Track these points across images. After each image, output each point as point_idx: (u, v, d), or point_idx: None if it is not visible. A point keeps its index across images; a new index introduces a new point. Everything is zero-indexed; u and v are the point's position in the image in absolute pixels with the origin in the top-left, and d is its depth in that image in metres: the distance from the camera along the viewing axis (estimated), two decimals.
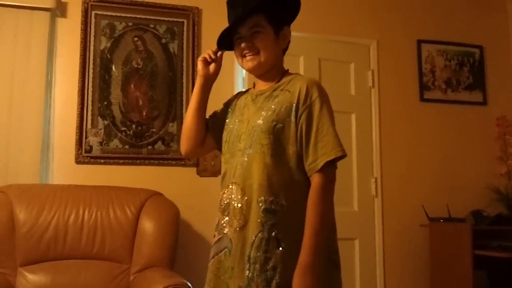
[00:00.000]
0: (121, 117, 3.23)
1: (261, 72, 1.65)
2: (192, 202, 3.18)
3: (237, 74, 3.41)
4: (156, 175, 3.22)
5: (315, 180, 1.47)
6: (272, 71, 1.64)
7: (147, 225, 2.80)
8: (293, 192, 1.50)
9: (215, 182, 2.94)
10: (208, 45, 3.34)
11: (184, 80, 3.35)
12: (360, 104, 3.67)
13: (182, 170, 3.27)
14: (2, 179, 2.90)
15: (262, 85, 1.66)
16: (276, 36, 1.62)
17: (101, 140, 3.18)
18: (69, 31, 3.22)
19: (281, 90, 1.59)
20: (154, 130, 3.26)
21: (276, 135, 1.51)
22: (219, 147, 1.72)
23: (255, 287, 1.43)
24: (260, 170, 1.49)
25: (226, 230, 1.54)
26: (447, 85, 3.90)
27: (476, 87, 3.97)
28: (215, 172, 3.27)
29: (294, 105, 1.52)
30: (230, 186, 1.55)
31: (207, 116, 1.75)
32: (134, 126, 3.24)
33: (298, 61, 3.51)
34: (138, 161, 3.22)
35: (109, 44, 3.26)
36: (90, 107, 3.18)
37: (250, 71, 1.65)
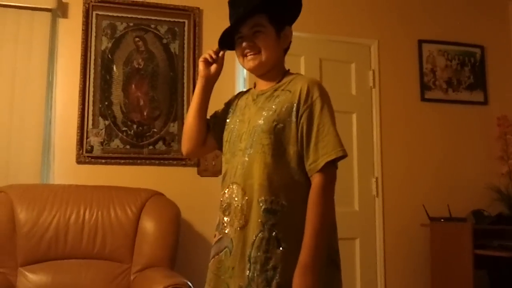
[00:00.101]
0: (122, 117, 3.23)
1: (262, 72, 1.65)
2: (193, 202, 3.18)
3: (238, 74, 3.41)
4: (157, 175, 3.22)
5: (316, 180, 1.47)
6: (273, 71, 1.64)
7: (148, 225, 2.80)
8: (294, 192, 1.50)
9: (216, 182, 2.94)
10: (209, 45, 3.35)
11: (185, 80, 3.35)
12: (361, 104, 3.67)
13: (183, 170, 3.27)
14: (3, 179, 2.91)
15: (263, 85, 1.66)
16: (277, 36, 1.62)
17: (102, 140, 3.18)
18: (70, 32, 3.22)
19: (282, 90, 1.59)
20: (155, 130, 3.27)
21: (277, 135, 1.51)
22: (220, 147, 1.72)
23: (256, 287, 1.43)
24: (261, 170, 1.49)
25: (227, 230, 1.54)
26: (448, 85, 3.90)
27: (477, 87, 3.97)
28: (216, 172, 3.27)
29: (295, 105, 1.53)
30: (231, 186, 1.56)
31: (208, 116, 1.76)
32: (135, 126, 3.24)
33: (299, 61, 3.51)
34: (139, 161, 3.22)
35: (110, 45, 3.27)
36: (91, 107, 3.19)
37: (251, 70, 1.65)
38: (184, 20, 3.41)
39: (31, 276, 2.62)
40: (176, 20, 3.39)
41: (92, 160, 3.15)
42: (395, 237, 3.59)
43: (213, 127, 1.74)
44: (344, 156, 1.48)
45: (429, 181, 3.73)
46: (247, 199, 1.50)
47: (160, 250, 2.76)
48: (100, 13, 3.27)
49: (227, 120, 1.70)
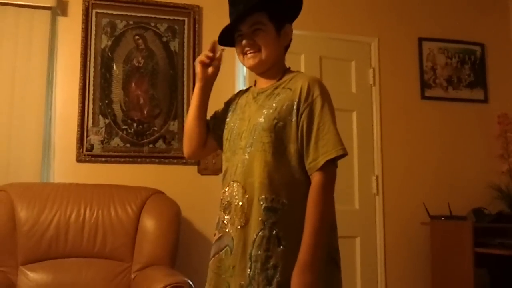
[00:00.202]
0: (122, 115, 3.23)
1: (263, 70, 1.64)
2: (193, 200, 3.18)
3: (238, 72, 3.41)
4: (157, 173, 3.22)
5: (316, 178, 1.47)
6: (274, 68, 1.64)
7: (148, 223, 2.80)
8: (294, 191, 1.49)
9: (216, 181, 2.94)
10: (209, 43, 3.35)
11: (185, 79, 3.35)
12: (361, 102, 3.67)
13: (183, 169, 3.27)
14: (4, 178, 2.91)
15: (263, 83, 1.66)
16: (277, 34, 1.61)
17: (102, 139, 3.18)
18: (70, 30, 3.22)
19: (283, 88, 1.58)
20: (155, 128, 3.26)
21: (278, 133, 1.51)
22: (221, 147, 1.72)
23: (256, 286, 1.43)
24: (261, 168, 1.49)
25: (227, 229, 1.54)
26: (448, 83, 3.89)
27: (477, 84, 3.96)
28: (216, 171, 3.27)
29: (295, 103, 1.52)
30: (232, 184, 1.55)
31: (208, 117, 1.75)
32: (135, 124, 3.24)
33: (299, 59, 3.50)
34: (139, 160, 3.22)
35: (110, 43, 3.27)
36: (91, 106, 3.19)
37: (251, 68, 1.65)
38: (184, 18, 3.40)
39: (32, 275, 2.62)
40: (176, 18, 3.39)
41: (92, 158, 3.15)
42: (395, 235, 3.59)
43: (213, 128, 1.74)
44: (344, 154, 1.48)
45: (429, 179, 3.73)
46: (247, 197, 1.50)
47: (160, 248, 2.76)
48: (99, 11, 3.27)
49: (227, 119, 1.69)
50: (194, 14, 3.41)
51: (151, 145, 3.25)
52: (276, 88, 1.60)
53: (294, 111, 1.52)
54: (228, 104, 1.76)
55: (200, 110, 1.71)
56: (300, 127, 1.51)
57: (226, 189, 1.57)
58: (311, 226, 1.42)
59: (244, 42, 1.60)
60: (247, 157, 1.53)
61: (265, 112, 1.54)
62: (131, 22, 3.32)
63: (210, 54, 1.66)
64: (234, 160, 1.58)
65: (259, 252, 1.44)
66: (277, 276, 1.43)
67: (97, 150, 3.16)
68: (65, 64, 3.20)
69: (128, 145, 3.22)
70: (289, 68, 1.69)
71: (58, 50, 3.19)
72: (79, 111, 3.15)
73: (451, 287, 3.28)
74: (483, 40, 4.01)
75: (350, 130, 3.59)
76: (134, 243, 2.78)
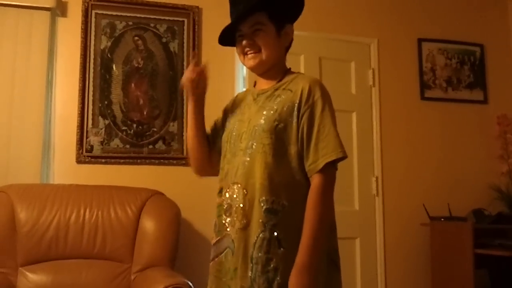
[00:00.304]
0: (122, 116, 3.23)
1: (263, 70, 1.64)
2: (193, 201, 3.18)
3: (238, 73, 3.41)
4: (157, 174, 3.22)
5: (315, 180, 1.47)
6: (274, 69, 1.63)
7: (148, 224, 2.80)
8: (295, 192, 1.49)
9: (216, 182, 2.93)
10: (209, 44, 3.36)
11: None
12: (361, 102, 3.67)
13: (183, 170, 3.26)
14: (3, 179, 2.90)
15: (263, 84, 1.65)
16: (277, 34, 1.61)
17: (102, 140, 3.18)
18: (70, 31, 3.22)
19: (283, 89, 1.58)
20: (155, 129, 3.26)
21: (278, 134, 1.51)
22: None
23: None
24: (262, 169, 1.48)
25: (228, 230, 1.53)
26: (447, 83, 3.90)
27: (477, 85, 3.97)
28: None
29: (296, 104, 1.52)
30: (232, 186, 1.55)
31: (207, 127, 1.74)
32: (134, 125, 3.24)
33: (298, 60, 3.50)
34: (139, 161, 3.22)
35: (109, 44, 3.26)
36: (90, 107, 3.18)
37: (251, 69, 1.64)
38: (183, 19, 3.40)
39: (32, 276, 2.62)
40: (175, 19, 3.39)
41: (92, 159, 3.15)
42: (395, 236, 3.59)
43: (214, 141, 1.73)
44: (344, 157, 1.48)
45: (429, 180, 3.73)
46: (248, 199, 1.49)
47: (160, 249, 2.75)
48: (99, 12, 3.27)
49: (226, 123, 1.69)
50: (193, 15, 3.41)
51: (150, 146, 3.25)
52: (276, 89, 1.60)
53: (295, 112, 1.52)
54: (226, 112, 1.75)
55: (198, 126, 1.69)
56: (300, 129, 1.51)
57: (227, 191, 1.57)
58: (309, 228, 1.42)
59: (244, 42, 1.60)
60: (247, 158, 1.52)
61: (266, 114, 1.54)
62: (130, 23, 3.32)
63: (197, 68, 1.63)
64: (234, 162, 1.57)
65: (260, 254, 1.44)
66: (278, 278, 1.42)
67: (96, 151, 3.16)
68: (64, 65, 3.19)
69: (127, 146, 3.21)
70: (290, 69, 1.68)
71: (57, 51, 3.19)
72: (79, 112, 3.15)
73: None
74: (483, 41, 4.01)
75: (349, 131, 3.59)
76: (134, 244, 2.77)
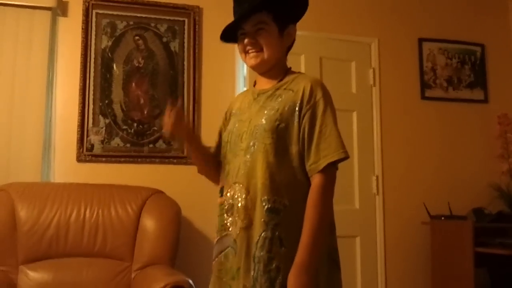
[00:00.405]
0: (122, 115, 3.23)
1: (264, 70, 1.63)
2: (194, 200, 3.18)
3: (238, 72, 3.40)
4: (157, 173, 3.23)
5: (316, 180, 1.47)
6: (275, 69, 1.63)
7: (149, 223, 2.80)
8: (296, 192, 1.49)
9: None
10: (209, 44, 3.36)
11: (185, 79, 3.35)
12: (361, 102, 3.67)
13: (183, 168, 3.27)
14: (4, 178, 2.91)
15: (264, 83, 1.65)
16: (280, 34, 1.60)
17: (102, 139, 3.18)
18: (70, 30, 3.23)
19: (284, 89, 1.58)
20: (155, 128, 3.27)
21: (279, 134, 1.50)
22: None
23: (259, 287, 1.43)
24: (263, 169, 1.48)
25: (230, 230, 1.53)
26: (448, 83, 3.90)
27: (477, 85, 3.97)
28: None
29: (297, 104, 1.52)
30: (234, 186, 1.55)
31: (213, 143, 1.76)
32: (135, 124, 3.24)
33: (299, 59, 3.50)
34: (139, 160, 3.22)
35: (110, 43, 3.27)
36: (91, 106, 3.19)
37: (253, 68, 1.64)
38: (184, 19, 3.40)
39: (32, 274, 2.62)
40: (176, 18, 3.39)
41: (93, 158, 3.15)
42: (395, 235, 3.59)
43: (217, 155, 1.73)
44: (345, 158, 1.48)
45: (429, 179, 3.73)
46: (250, 199, 1.49)
47: (160, 248, 2.76)
48: (100, 11, 3.28)
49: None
50: (194, 14, 3.41)
51: (151, 145, 3.25)
52: (277, 89, 1.59)
53: (296, 112, 1.51)
54: (226, 117, 1.76)
55: (202, 159, 1.75)
56: (302, 129, 1.51)
57: (228, 191, 1.57)
58: (309, 227, 1.42)
59: (246, 41, 1.59)
60: (249, 158, 1.52)
61: (267, 113, 1.54)
62: (131, 23, 3.32)
63: (172, 118, 1.65)
64: (235, 162, 1.57)
65: (262, 253, 1.44)
66: (280, 277, 1.42)
67: (97, 150, 3.16)
68: (65, 64, 3.20)
69: (128, 145, 3.22)
70: (290, 68, 1.68)
71: (58, 51, 3.20)
72: (79, 111, 3.16)
73: (451, 287, 3.28)
74: (483, 41, 4.02)
75: (350, 131, 3.59)
76: (134, 243, 2.78)
